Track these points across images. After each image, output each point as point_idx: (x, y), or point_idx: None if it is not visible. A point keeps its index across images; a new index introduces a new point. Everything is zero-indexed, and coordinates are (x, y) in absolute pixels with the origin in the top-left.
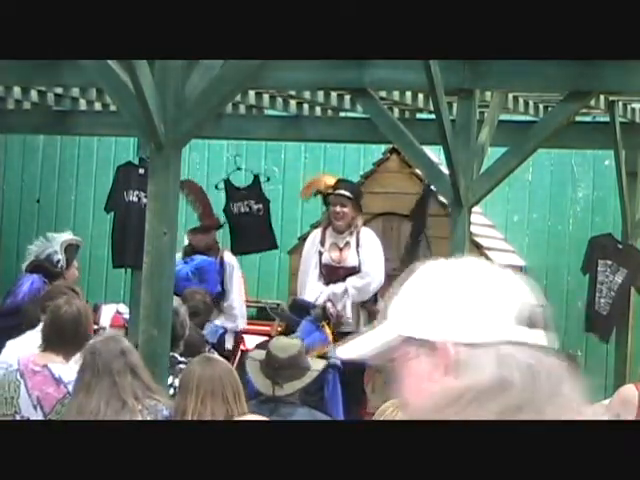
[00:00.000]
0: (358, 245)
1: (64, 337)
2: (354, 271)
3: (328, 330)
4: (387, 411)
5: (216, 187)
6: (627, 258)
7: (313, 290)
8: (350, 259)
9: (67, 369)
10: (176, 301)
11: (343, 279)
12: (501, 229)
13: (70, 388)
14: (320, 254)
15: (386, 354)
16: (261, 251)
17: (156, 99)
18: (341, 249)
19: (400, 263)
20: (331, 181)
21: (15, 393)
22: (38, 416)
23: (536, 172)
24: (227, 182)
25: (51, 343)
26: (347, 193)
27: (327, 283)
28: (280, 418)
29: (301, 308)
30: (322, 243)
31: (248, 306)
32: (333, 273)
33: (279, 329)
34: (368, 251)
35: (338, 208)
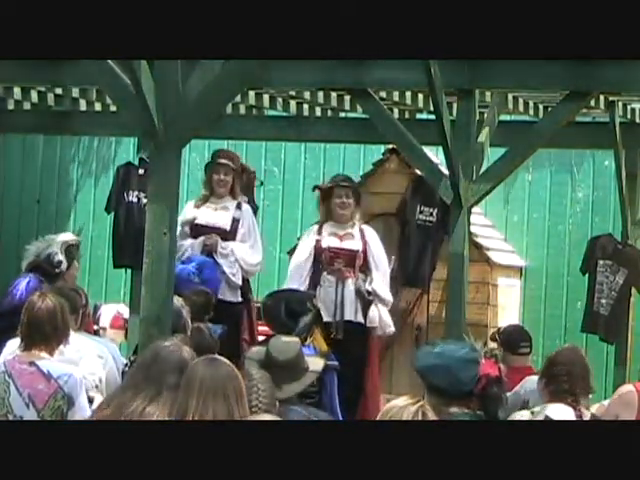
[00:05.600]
0: (363, 236)
1: (43, 333)
2: (354, 254)
3: (318, 339)
4: (392, 411)
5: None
6: (627, 258)
7: (301, 275)
8: (352, 244)
9: (55, 364)
10: (178, 302)
11: (344, 263)
12: (501, 229)
13: (60, 382)
14: (317, 242)
15: None
16: None
17: (156, 99)
18: (341, 237)
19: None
20: None
21: (5, 393)
22: (31, 413)
23: (536, 172)
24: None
25: (32, 341)
26: (352, 184)
27: (324, 268)
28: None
29: (292, 312)
30: (319, 234)
31: None
32: (333, 256)
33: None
34: (377, 249)
35: (345, 199)
